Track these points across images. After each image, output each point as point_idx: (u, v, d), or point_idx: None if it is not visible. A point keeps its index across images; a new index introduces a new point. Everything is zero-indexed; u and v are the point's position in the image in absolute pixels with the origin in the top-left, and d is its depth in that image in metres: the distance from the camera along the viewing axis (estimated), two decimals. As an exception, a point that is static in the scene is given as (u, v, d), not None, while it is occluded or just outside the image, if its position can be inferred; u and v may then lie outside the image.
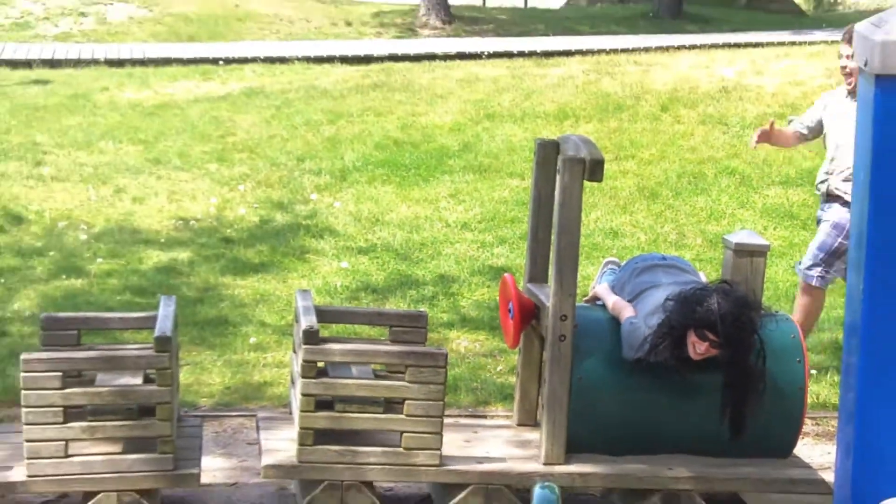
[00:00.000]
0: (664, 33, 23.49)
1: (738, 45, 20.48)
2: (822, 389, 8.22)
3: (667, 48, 20.28)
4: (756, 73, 16.84)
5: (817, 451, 7.35)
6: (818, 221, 8.61)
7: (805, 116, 8.70)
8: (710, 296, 5.97)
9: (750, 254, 6.59)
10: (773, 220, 11.81)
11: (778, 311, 6.88)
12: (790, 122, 9.11)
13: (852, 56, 7.71)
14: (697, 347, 5.96)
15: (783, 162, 13.27)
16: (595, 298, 6.89)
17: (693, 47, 20.18)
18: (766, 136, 8.56)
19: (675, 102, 15.45)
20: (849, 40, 7.86)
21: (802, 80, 16.43)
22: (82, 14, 23.56)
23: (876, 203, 4.53)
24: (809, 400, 6.81)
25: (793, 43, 20.77)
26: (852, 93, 7.98)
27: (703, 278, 6.79)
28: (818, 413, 7.91)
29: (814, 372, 8.20)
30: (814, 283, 8.34)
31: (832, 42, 19.79)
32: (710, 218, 11.87)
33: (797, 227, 11.68)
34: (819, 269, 8.33)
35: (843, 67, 8.14)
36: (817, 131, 8.53)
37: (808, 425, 7.43)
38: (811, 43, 20.42)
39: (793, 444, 6.46)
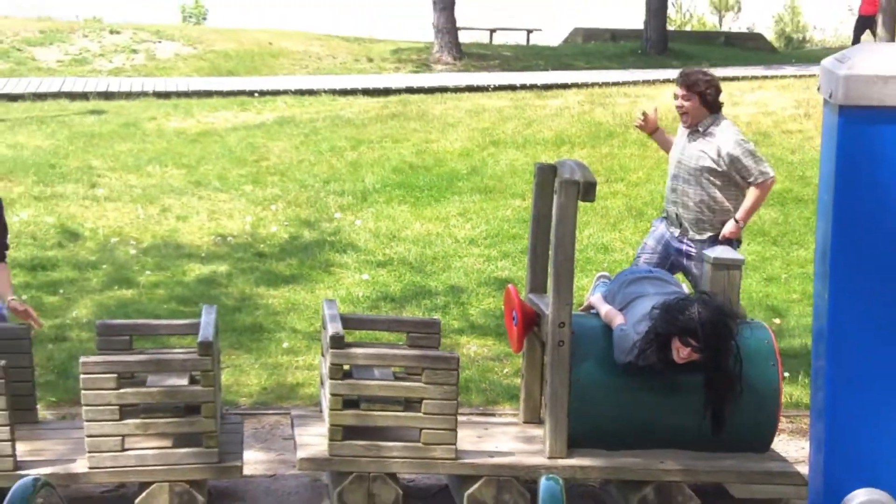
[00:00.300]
0: (651, 68, 23.46)
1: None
2: (795, 390, 8.20)
3: (653, 81, 20.26)
4: (732, 104, 16.80)
5: (792, 447, 7.34)
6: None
7: None
8: (691, 305, 5.98)
9: (726, 267, 6.61)
10: (748, 237, 11.72)
11: (752, 319, 6.89)
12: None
13: (684, 97, 7.76)
14: (681, 352, 5.97)
15: (757, 184, 13.23)
16: (590, 307, 6.90)
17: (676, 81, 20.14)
18: (649, 124, 8.30)
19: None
20: (682, 84, 7.79)
21: (774, 110, 16.43)
22: (134, 51, 23.60)
23: (838, 221, 4.53)
24: (784, 399, 6.81)
25: (765, 77, 20.73)
26: (689, 132, 7.91)
27: (685, 289, 6.81)
28: (792, 412, 7.90)
29: (787, 374, 8.18)
30: None
31: (801, 76, 19.88)
32: (692, 234, 11.84)
33: (769, 243, 11.67)
34: None
35: (680, 107, 7.84)
36: None
37: (783, 423, 7.43)
38: (782, 77, 20.40)
39: (770, 439, 6.47)
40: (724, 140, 7.74)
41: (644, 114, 8.31)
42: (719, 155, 7.71)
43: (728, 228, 7.80)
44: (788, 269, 11.08)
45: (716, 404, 6.17)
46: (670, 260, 8.06)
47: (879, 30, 24.30)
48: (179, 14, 33.03)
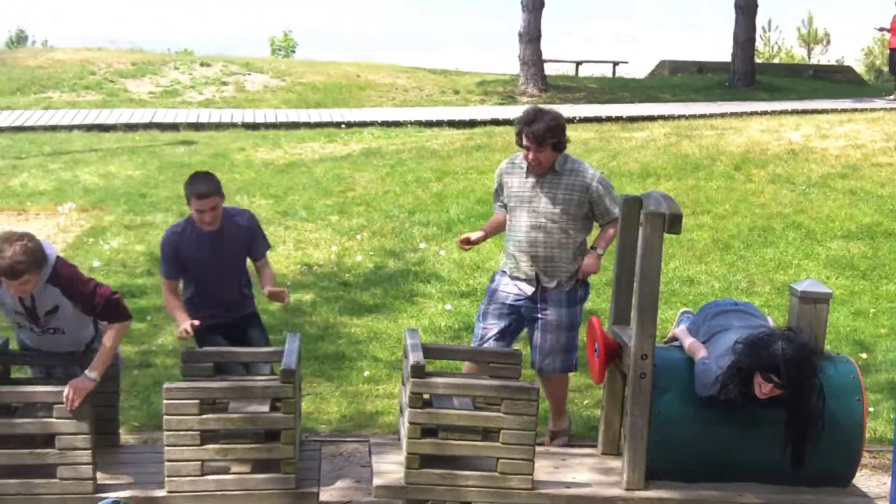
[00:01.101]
0: (738, 101, 23.28)
1: (804, 112, 20.25)
2: (879, 425, 8.06)
3: (740, 114, 20.09)
4: (821, 136, 16.62)
5: (874, 482, 7.21)
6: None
7: (496, 195, 7.65)
8: (775, 341, 5.90)
9: (814, 301, 6.49)
10: (836, 271, 11.63)
11: (839, 354, 6.77)
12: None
13: (537, 151, 7.13)
14: (763, 388, 5.90)
15: (845, 218, 13.08)
16: (673, 339, 6.85)
17: (764, 113, 19.98)
18: (470, 242, 7.60)
19: (747, 163, 15.28)
20: (534, 141, 7.14)
21: (863, 143, 16.17)
22: (224, 83, 23.92)
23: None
24: (867, 434, 6.69)
25: (854, 110, 20.46)
26: (536, 177, 7.33)
27: (772, 323, 6.71)
28: (875, 447, 7.76)
29: (871, 409, 8.04)
30: None
31: (891, 109, 19.55)
32: (777, 268, 11.71)
33: (857, 277, 11.49)
34: None
35: (535, 160, 7.21)
36: None
37: (865, 458, 7.28)
38: (872, 110, 20.10)
39: (852, 474, 6.36)
40: (587, 176, 7.33)
41: (467, 239, 7.59)
42: (587, 191, 7.29)
43: (589, 262, 7.34)
44: (877, 303, 10.90)
45: (796, 441, 6.08)
46: (522, 323, 7.54)
47: None
48: (269, 47, 33.42)
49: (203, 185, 6.97)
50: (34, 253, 5.95)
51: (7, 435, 5.99)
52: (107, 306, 6.25)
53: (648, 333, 6.11)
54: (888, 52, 25.01)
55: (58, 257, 6.24)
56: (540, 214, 7.31)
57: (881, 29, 23.88)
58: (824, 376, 6.04)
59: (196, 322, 6.76)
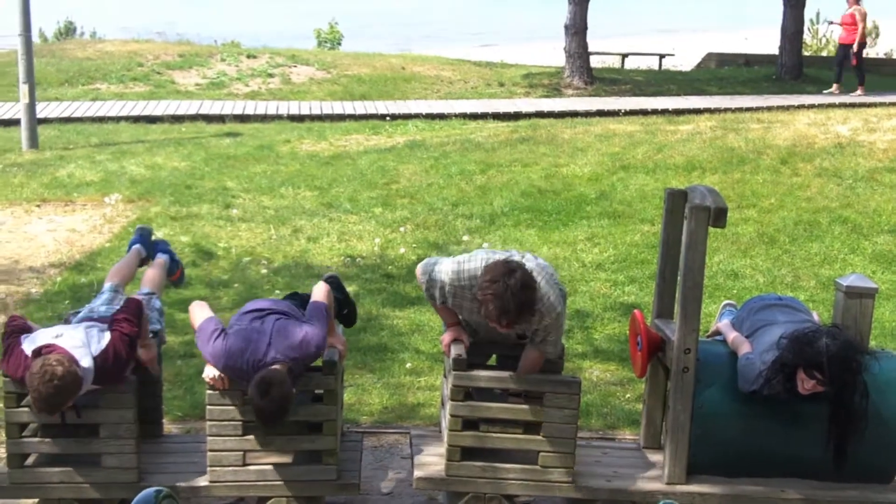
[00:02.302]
0: (785, 94, 23.15)
1: (852, 105, 20.07)
2: (926, 421, 7.95)
3: (787, 107, 19.97)
4: (869, 130, 16.47)
5: (919, 479, 7.13)
6: None
7: (441, 294, 6.35)
8: (819, 338, 5.85)
9: (859, 296, 6.43)
10: (882, 265, 11.52)
11: (884, 350, 6.72)
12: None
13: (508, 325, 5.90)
14: (805, 384, 5.86)
15: (892, 212, 12.95)
16: (716, 333, 6.81)
17: (811, 107, 19.84)
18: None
19: (794, 157, 15.18)
20: (507, 324, 5.89)
21: (912, 136, 16.04)
22: (270, 75, 24.03)
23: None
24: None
25: (903, 103, 20.28)
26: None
27: (816, 317, 6.66)
28: (921, 443, 7.66)
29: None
30: None
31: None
32: (823, 262, 11.62)
33: (904, 272, 11.39)
34: None
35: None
36: None
37: (910, 454, 7.21)
38: (920, 103, 19.94)
39: (895, 471, 6.29)
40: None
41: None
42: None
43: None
44: (924, 298, 10.79)
45: (839, 438, 6.04)
46: None
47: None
48: (315, 39, 33.49)
49: None
50: (64, 379, 5.59)
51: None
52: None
53: (692, 327, 6.08)
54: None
55: (96, 357, 5.86)
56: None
57: (831, 22, 23.29)
58: (869, 373, 5.99)
59: None
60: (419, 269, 6.33)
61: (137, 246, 7.32)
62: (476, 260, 6.16)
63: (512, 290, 5.74)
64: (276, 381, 5.72)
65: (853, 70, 23.18)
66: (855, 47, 22.91)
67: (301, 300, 6.65)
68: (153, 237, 7.61)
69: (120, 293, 6.70)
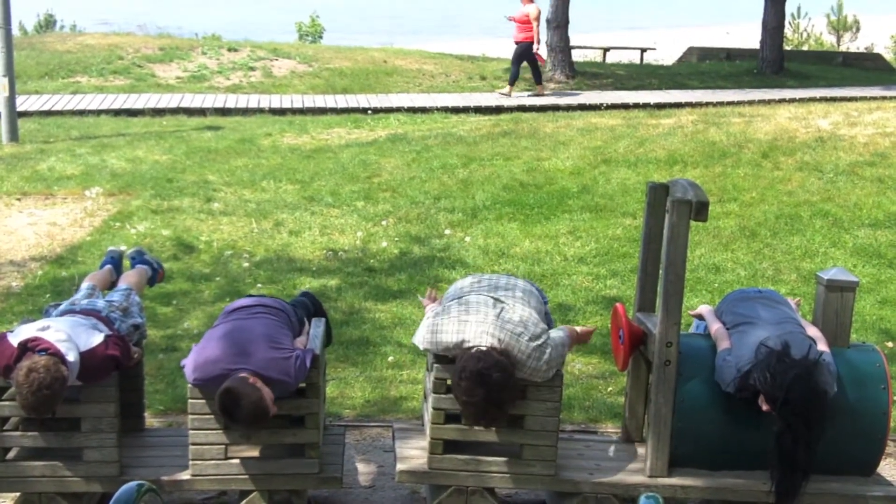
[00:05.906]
0: (766, 88, 23.22)
1: (833, 99, 20.17)
2: (906, 415, 8.00)
3: (768, 101, 20.03)
4: (850, 124, 16.53)
5: (899, 471, 7.18)
6: None
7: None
8: (790, 371, 5.78)
9: (840, 289, 6.46)
10: (863, 259, 11.57)
11: (865, 343, 6.74)
12: None
13: None
14: (763, 405, 5.88)
15: (872, 206, 13.01)
16: (699, 316, 6.81)
17: (792, 101, 19.92)
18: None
19: (775, 150, 15.22)
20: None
21: (892, 131, 16.07)
22: (251, 68, 23.96)
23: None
24: (892, 424, 6.65)
25: (884, 97, 20.38)
26: None
27: (795, 306, 6.67)
28: (900, 436, 7.71)
29: (898, 398, 8.00)
30: None
31: (921, 97, 19.42)
32: (804, 256, 11.66)
33: (884, 266, 11.42)
34: None
35: None
36: None
37: (890, 447, 7.27)
38: (901, 97, 20.02)
39: (876, 463, 6.33)
40: None
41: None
42: None
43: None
44: (904, 292, 10.84)
45: (780, 472, 5.94)
46: None
47: None
48: (296, 32, 33.45)
49: None
50: (52, 386, 5.56)
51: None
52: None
53: (673, 321, 6.09)
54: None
55: (83, 352, 5.84)
56: None
57: (510, 18, 22.68)
58: (852, 361, 5.99)
59: None
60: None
61: (109, 266, 7.26)
62: (449, 325, 6.04)
63: (491, 401, 5.72)
64: (243, 392, 5.70)
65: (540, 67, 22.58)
66: (535, 46, 21.99)
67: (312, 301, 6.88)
68: (126, 255, 7.52)
69: (97, 292, 6.69)
